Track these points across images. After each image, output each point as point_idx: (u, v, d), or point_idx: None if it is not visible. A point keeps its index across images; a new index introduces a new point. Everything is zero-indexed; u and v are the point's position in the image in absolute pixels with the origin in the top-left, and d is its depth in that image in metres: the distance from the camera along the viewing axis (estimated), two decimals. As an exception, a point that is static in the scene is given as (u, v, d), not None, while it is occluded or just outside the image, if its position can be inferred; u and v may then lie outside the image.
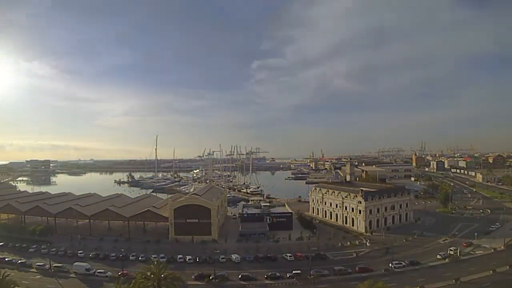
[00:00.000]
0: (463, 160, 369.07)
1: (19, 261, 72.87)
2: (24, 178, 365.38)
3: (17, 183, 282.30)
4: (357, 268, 67.23)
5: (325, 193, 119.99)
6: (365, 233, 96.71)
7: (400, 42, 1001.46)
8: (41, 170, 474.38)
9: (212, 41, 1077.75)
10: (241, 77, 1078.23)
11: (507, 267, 65.73)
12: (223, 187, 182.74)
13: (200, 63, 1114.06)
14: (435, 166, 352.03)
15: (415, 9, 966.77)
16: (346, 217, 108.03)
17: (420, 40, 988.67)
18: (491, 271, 63.90)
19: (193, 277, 63.57)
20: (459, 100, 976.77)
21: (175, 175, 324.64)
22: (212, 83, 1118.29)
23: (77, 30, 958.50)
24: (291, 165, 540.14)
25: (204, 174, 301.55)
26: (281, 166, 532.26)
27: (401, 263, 69.01)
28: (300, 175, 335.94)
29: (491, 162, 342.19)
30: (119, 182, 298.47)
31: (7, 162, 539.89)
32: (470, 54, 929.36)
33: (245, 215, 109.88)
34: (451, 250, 74.46)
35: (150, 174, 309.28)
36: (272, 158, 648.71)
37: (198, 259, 74.17)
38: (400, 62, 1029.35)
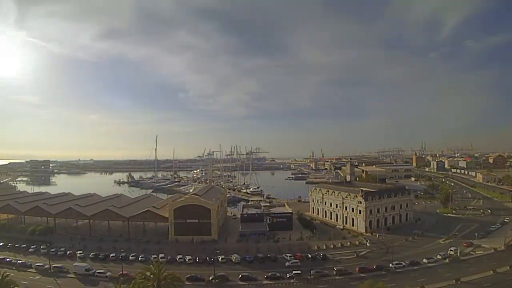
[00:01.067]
0: (463, 160, 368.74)
1: (19, 261, 72.67)
2: (24, 178, 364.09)
3: (16, 183, 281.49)
4: (357, 268, 67.20)
5: (325, 193, 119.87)
6: (365, 233, 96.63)
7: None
8: (40, 170, 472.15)
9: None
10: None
11: (508, 267, 65.73)
12: (223, 187, 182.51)
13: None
14: (435, 166, 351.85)
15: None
16: (346, 217, 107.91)
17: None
18: (492, 271, 63.89)
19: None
20: (458, 100, 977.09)
21: (175, 175, 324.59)
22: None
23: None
24: (291, 165, 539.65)
25: (204, 174, 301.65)
26: (281, 166, 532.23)
27: (401, 263, 68.97)
28: (300, 175, 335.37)
29: (491, 162, 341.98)
30: (119, 182, 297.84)
31: (7, 162, 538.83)
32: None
33: (245, 215, 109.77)
34: (451, 250, 74.34)
35: (150, 174, 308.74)
36: (272, 158, 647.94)
37: (198, 259, 74.02)
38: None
